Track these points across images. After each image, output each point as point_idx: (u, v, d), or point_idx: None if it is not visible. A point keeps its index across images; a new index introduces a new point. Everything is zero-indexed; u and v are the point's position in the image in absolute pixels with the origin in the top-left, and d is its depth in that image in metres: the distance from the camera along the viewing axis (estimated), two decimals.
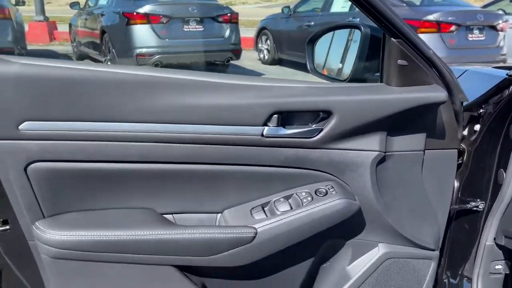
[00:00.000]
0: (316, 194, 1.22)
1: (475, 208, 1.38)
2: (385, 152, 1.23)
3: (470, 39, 6.22)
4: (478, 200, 1.37)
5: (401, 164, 1.27)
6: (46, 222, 1.07)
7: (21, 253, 1.13)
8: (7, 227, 1.11)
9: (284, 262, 1.27)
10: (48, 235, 1.04)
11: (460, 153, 1.40)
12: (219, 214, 1.23)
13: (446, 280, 1.52)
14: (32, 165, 1.04)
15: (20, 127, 1.01)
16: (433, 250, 1.37)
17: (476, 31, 6.23)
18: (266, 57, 8.64)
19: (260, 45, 8.92)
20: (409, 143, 1.25)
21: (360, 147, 1.21)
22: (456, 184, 1.43)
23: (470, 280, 1.44)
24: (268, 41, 8.57)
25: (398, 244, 1.34)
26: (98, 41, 7.20)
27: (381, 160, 1.24)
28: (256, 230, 1.14)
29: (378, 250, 1.34)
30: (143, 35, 6.41)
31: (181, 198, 1.19)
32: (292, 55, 7.79)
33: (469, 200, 1.40)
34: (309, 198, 1.20)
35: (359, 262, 1.35)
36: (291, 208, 1.20)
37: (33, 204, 1.07)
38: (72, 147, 1.05)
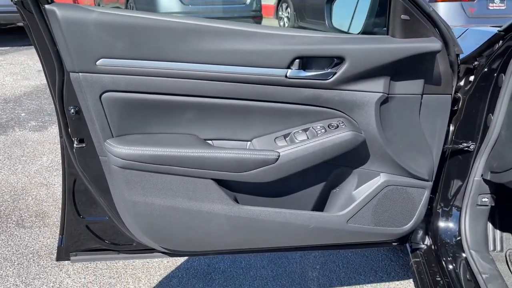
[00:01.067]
0: (329, 128, 1.47)
1: (466, 148, 1.62)
2: (388, 94, 1.47)
3: (491, 8, 6.24)
4: (470, 141, 1.62)
5: (401, 105, 1.51)
6: (115, 140, 1.36)
7: (93, 166, 1.43)
8: (83, 144, 1.40)
9: (301, 183, 1.55)
10: (118, 149, 1.33)
11: (456, 101, 1.64)
12: (249, 142, 1.50)
13: (439, 210, 1.79)
14: (106, 94, 1.32)
15: (97, 63, 1.28)
16: (427, 180, 1.62)
17: (497, 0, 6.24)
18: (286, 25, 8.76)
19: (280, 12, 9.02)
20: (408, 87, 1.49)
21: (367, 88, 1.46)
22: (451, 128, 1.67)
23: (459, 209, 1.71)
24: (289, 9, 8.67)
25: (397, 174, 1.60)
26: (123, 6, 7.43)
27: (384, 101, 1.48)
28: (279, 154, 1.41)
29: (379, 178, 1.60)
30: (167, 1, 6.61)
31: (218, 127, 1.46)
32: (312, 22, 7.90)
33: (461, 141, 1.65)
34: (322, 130, 1.46)
35: (363, 188, 1.61)
36: (308, 138, 1.46)
37: (105, 126, 1.35)
38: (137, 81, 1.32)
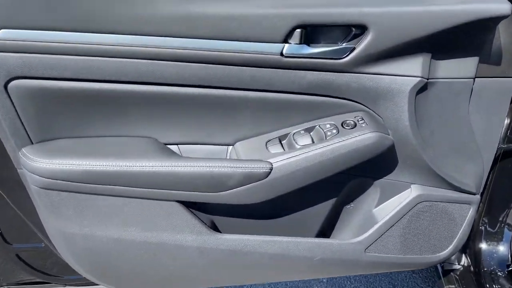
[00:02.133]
0: (343, 127, 1.05)
1: None
2: (427, 79, 1.03)
3: None
4: None
5: (445, 94, 1.07)
6: (34, 149, 0.95)
7: (11, 181, 1.02)
8: None
9: (303, 201, 1.13)
10: (37, 163, 0.92)
11: None
12: (230, 147, 1.08)
13: (482, 228, 1.37)
14: (14, 82, 0.89)
15: None
16: (474, 194, 1.20)
17: None
18: None
19: None
20: (457, 69, 1.05)
21: (398, 71, 1.02)
22: (507, 121, 1.23)
23: (510, 227, 1.28)
24: None
25: (433, 186, 1.18)
26: None
27: (422, 88, 1.04)
28: (272, 165, 0.99)
29: (410, 192, 1.18)
30: None
31: (187, 126, 1.04)
32: None
33: None
34: (334, 131, 1.04)
35: (387, 204, 1.20)
36: (313, 141, 1.03)
37: (18, 128, 0.94)
38: (58, 62, 0.89)
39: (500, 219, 1.32)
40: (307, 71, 1.00)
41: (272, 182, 1.00)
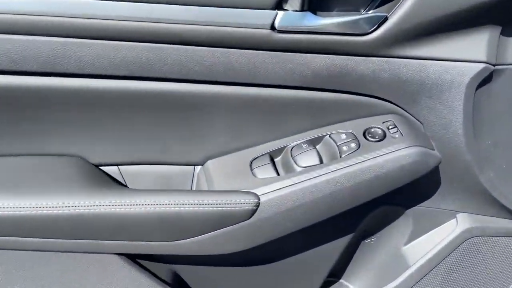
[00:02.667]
0: (366, 138, 0.70)
1: None
2: (494, 65, 0.68)
3: None
4: None
5: None
6: None
7: None
8: None
9: (305, 241, 0.80)
10: None
11: None
12: (198, 167, 0.74)
13: None
14: None
15: None
16: None
17: None
18: None
19: None
20: None
21: (449, 55, 0.67)
22: None
23: None
24: None
25: (489, 215, 0.84)
26: None
27: (486, 80, 0.69)
28: (258, 199, 0.65)
29: (455, 223, 0.84)
30: None
31: (132, 138, 0.70)
32: None
33: None
34: (352, 145, 0.69)
35: (424, 240, 0.86)
36: (321, 161, 0.69)
37: None
38: None
39: None
40: (313, 55, 0.65)
41: (259, 224, 0.66)
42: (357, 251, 0.90)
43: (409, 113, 0.72)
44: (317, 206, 0.68)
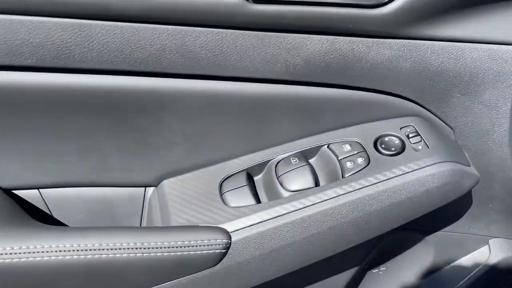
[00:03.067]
0: (378, 150, 0.52)
1: None
2: None
3: None
4: None
5: None
6: None
7: None
8: None
9: (296, 281, 0.61)
10: None
11: None
12: (151, 190, 0.55)
13: None
14: None
15: None
16: None
17: None
18: None
19: None
20: None
21: (494, 35, 0.48)
22: None
23: None
24: None
25: None
26: None
27: None
28: (229, 238, 0.47)
29: (488, 251, 0.66)
30: None
31: (57, 152, 0.51)
32: None
33: None
34: (359, 160, 0.51)
35: (446, 272, 0.68)
36: (316, 183, 0.50)
37: None
38: None
39: None
40: (304, 35, 0.46)
41: (231, 271, 0.48)
42: (362, 283, 0.72)
43: (436, 116, 0.54)
44: (311, 246, 0.50)
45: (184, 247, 0.46)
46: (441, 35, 0.47)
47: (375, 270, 0.72)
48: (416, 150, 0.51)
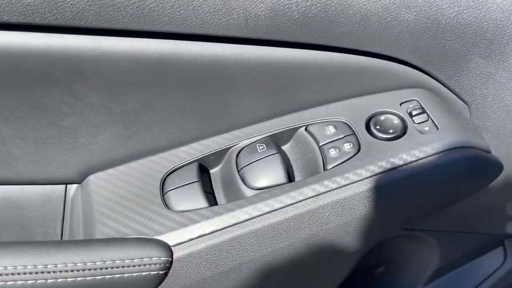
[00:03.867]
0: (371, 133, 0.39)
1: None
2: None
3: None
4: None
5: None
6: None
7: None
8: None
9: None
10: None
11: None
12: (74, 186, 0.42)
13: None
14: None
15: None
16: None
17: None
18: None
19: None
20: None
21: None
22: None
23: None
24: None
25: None
26: None
27: None
28: (171, 254, 0.34)
29: (504, 253, 0.55)
30: None
31: None
32: None
33: None
34: (347, 146, 0.38)
35: (459, 275, 0.57)
36: (289, 178, 0.38)
37: None
38: None
39: None
40: None
41: None
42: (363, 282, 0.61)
43: (447, 87, 0.41)
44: (281, 261, 0.37)
45: (107, 268, 0.33)
46: None
47: (373, 273, 0.60)
48: (421, 132, 0.38)
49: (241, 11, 0.34)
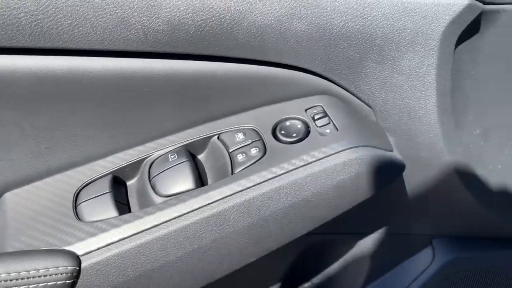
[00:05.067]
0: (277, 138, 0.41)
1: None
2: (485, 2, 0.40)
3: None
4: None
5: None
6: None
7: None
8: None
9: None
10: None
11: None
12: None
13: None
14: None
15: None
16: None
17: None
18: None
19: None
20: None
21: None
22: None
23: None
24: None
25: (478, 239, 0.57)
26: None
27: (471, 29, 0.41)
28: (78, 264, 0.35)
29: (432, 252, 0.57)
30: None
31: None
32: None
33: None
34: (253, 152, 0.40)
35: (389, 278, 0.59)
36: (197, 184, 0.39)
37: None
38: None
39: None
40: None
41: None
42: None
43: (350, 92, 0.44)
44: (191, 265, 0.38)
45: (11, 280, 0.34)
46: None
47: (306, 284, 0.61)
48: (322, 134, 0.41)
49: (139, 26, 0.36)
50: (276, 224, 0.39)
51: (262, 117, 0.42)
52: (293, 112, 0.42)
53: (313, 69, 0.41)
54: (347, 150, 0.39)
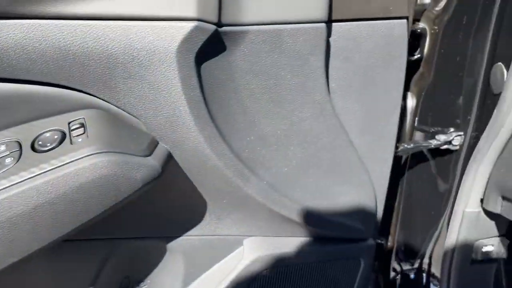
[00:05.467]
0: (34, 148, 0.46)
1: (445, 146, 0.65)
2: (219, 25, 0.47)
3: None
4: (452, 129, 0.64)
5: (265, 56, 0.51)
6: None
7: None
8: None
9: None
10: None
11: (417, 38, 0.66)
12: None
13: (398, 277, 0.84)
14: None
15: None
16: (364, 239, 0.66)
17: None
18: None
19: None
20: (284, 5, 0.49)
21: (153, 11, 0.44)
22: (411, 102, 0.70)
23: (435, 278, 0.75)
24: None
25: (287, 235, 0.63)
26: None
27: (212, 47, 0.47)
28: None
29: (242, 251, 0.62)
30: None
31: None
32: None
33: (434, 131, 0.67)
34: (8, 160, 0.44)
35: (204, 278, 0.63)
36: None
37: None
38: None
39: (416, 266, 0.78)
40: None
41: None
42: None
43: (115, 105, 0.49)
44: None
45: None
46: (76, 13, 0.43)
47: None
48: (73, 142, 0.45)
49: None
50: (23, 228, 0.43)
51: (27, 131, 0.47)
52: (56, 125, 0.47)
53: (71, 86, 0.46)
54: (92, 155, 0.44)
